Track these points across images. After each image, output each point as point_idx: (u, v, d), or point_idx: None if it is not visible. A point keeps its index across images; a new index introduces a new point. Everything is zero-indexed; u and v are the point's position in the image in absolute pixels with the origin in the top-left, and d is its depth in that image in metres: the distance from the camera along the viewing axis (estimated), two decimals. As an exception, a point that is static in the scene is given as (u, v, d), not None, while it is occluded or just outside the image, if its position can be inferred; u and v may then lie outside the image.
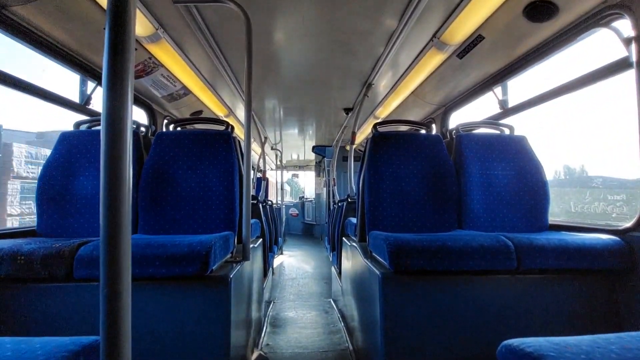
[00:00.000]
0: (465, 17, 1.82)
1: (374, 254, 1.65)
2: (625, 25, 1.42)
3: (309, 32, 2.12)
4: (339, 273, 2.79)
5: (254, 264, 2.03)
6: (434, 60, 2.34)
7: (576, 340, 0.61)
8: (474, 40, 2.00)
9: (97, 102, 2.21)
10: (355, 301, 1.97)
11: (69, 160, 1.85)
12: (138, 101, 2.70)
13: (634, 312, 1.31)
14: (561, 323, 1.33)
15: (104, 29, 1.60)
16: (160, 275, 1.21)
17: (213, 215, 1.81)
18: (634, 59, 1.36)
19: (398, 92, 3.09)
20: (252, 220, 2.07)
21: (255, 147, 5.68)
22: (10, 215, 5.09)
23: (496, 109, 2.36)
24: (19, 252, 1.22)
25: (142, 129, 2.14)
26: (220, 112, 3.68)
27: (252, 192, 2.79)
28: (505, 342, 0.64)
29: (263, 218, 2.75)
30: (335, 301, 2.99)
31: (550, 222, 1.86)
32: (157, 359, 1.24)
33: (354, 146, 3.25)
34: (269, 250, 3.05)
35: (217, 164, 1.88)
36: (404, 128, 3.31)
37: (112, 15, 0.56)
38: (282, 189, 7.34)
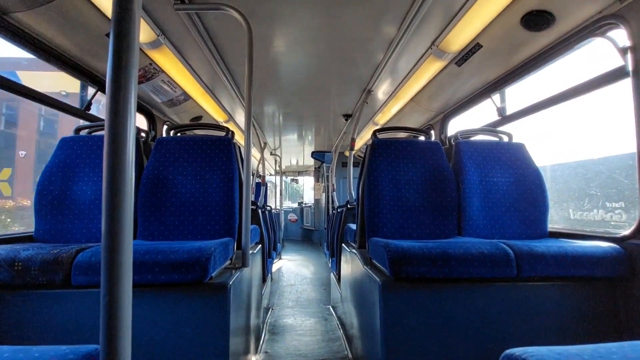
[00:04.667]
0: (464, 25, 1.85)
1: (373, 261, 1.64)
2: (620, 35, 1.45)
3: (309, 39, 2.14)
4: (338, 279, 2.78)
5: (253, 270, 2.02)
6: (432, 68, 2.36)
7: (578, 349, 0.60)
8: (472, 49, 2.02)
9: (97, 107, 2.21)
10: (355, 308, 1.96)
11: (69, 166, 1.84)
12: (138, 107, 2.71)
13: (633, 320, 1.31)
14: (561, 331, 1.33)
15: (106, 35, 1.61)
16: (159, 281, 1.21)
17: (212, 221, 1.80)
18: (630, 67, 1.38)
19: (397, 99, 3.11)
20: (252, 226, 2.06)
21: (255, 153, 5.68)
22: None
23: (494, 117, 2.38)
24: (16, 258, 1.21)
25: (142, 134, 2.14)
26: (220, 117, 3.70)
27: (252, 197, 2.77)
28: (507, 351, 0.63)
29: (262, 224, 2.75)
30: (334, 308, 2.97)
31: (549, 229, 1.87)
32: None
33: (354, 152, 3.26)
34: (268, 256, 3.04)
35: (217, 170, 1.87)
36: (403, 135, 3.33)
37: (116, 23, 0.57)
38: (280, 194, 7.33)
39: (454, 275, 1.29)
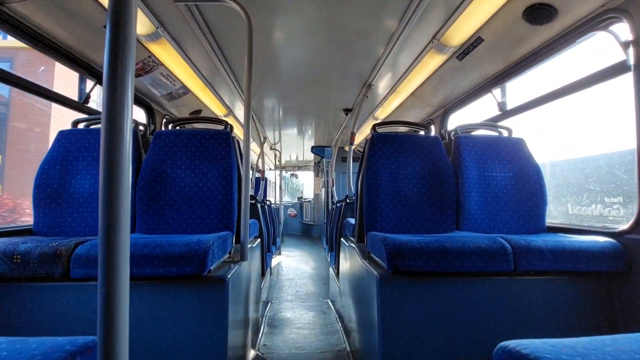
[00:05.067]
0: (465, 19, 1.83)
1: (371, 255, 1.65)
2: (623, 29, 1.43)
3: (309, 32, 2.13)
4: (337, 274, 2.79)
5: (252, 264, 2.03)
6: (433, 62, 2.35)
7: (572, 342, 0.61)
8: (474, 42, 2.00)
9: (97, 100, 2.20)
10: (353, 302, 1.98)
11: (67, 159, 1.84)
12: (137, 100, 2.70)
13: (629, 314, 1.31)
14: (558, 325, 1.34)
15: (104, 27, 1.60)
16: (157, 275, 1.21)
17: (211, 215, 1.80)
18: (631, 62, 1.37)
19: (397, 93, 3.09)
20: (251, 221, 2.07)
21: (254, 147, 5.67)
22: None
23: (495, 111, 2.36)
24: (15, 251, 1.21)
25: (141, 127, 2.13)
26: (219, 111, 3.68)
27: (251, 192, 2.78)
28: (502, 344, 0.64)
29: (261, 218, 2.75)
30: (333, 302, 2.99)
31: (547, 224, 1.87)
32: (154, 359, 1.24)
33: (353, 147, 3.25)
34: (267, 250, 3.05)
35: (215, 164, 1.87)
36: (403, 129, 3.32)
37: (113, 13, 0.56)
38: (280, 189, 7.33)
39: (452, 269, 1.29)
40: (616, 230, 1.42)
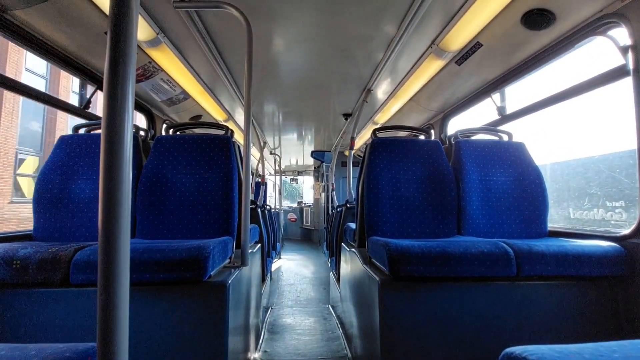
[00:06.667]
0: (464, 24, 1.84)
1: (373, 260, 1.64)
2: (621, 34, 1.44)
3: (309, 37, 2.14)
4: (338, 279, 2.77)
5: (252, 269, 2.02)
6: (432, 67, 2.36)
7: (578, 348, 0.60)
8: (473, 47, 2.01)
9: (97, 106, 2.21)
10: (354, 307, 1.96)
11: (67, 164, 1.84)
12: (137, 105, 2.71)
13: (633, 319, 1.30)
14: (561, 330, 1.32)
15: (105, 33, 1.61)
16: (157, 280, 1.20)
17: (212, 220, 1.80)
18: (630, 66, 1.37)
19: (397, 98, 3.10)
20: (251, 225, 2.06)
21: (254, 152, 5.68)
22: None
23: (494, 116, 2.37)
24: (15, 257, 1.20)
25: (142, 133, 2.14)
26: (219, 116, 3.69)
27: (251, 196, 2.77)
28: (507, 350, 0.63)
29: (262, 223, 2.74)
30: (333, 307, 2.97)
31: (549, 229, 1.86)
32: None
33: (353, 151, 3.25)
34: (267, 255, 3.04)
35: (216, 169, 1.87)
36: (402, 134, 3.33)
37: (114, 20, 0.57)
38: (280, 193, 7.32)
39: (454, 274, 1.28)
40: (619, 234, 1.42)
